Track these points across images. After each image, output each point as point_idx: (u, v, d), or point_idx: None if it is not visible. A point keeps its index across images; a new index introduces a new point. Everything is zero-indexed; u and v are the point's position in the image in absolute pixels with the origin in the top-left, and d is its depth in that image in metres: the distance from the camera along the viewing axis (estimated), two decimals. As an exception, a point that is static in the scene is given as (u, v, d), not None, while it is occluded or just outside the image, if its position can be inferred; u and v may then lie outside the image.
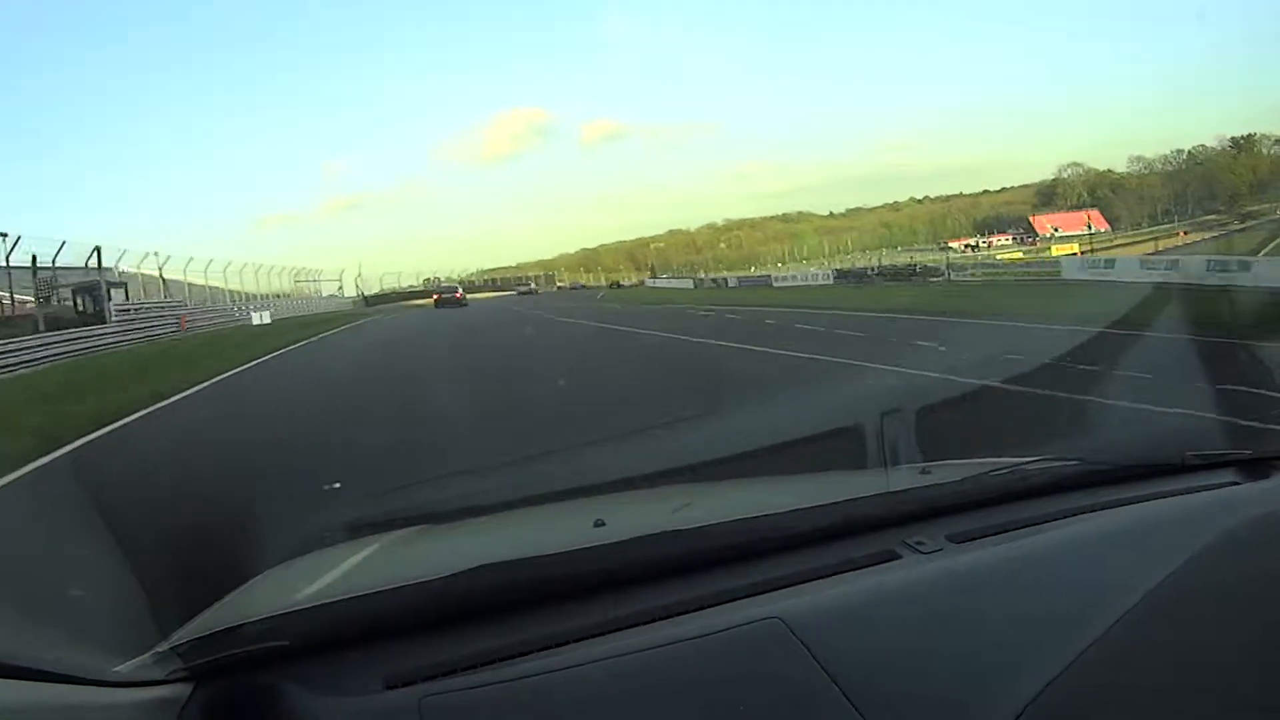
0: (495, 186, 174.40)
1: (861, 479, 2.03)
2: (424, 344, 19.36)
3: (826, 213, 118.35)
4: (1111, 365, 7.55)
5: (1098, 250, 50.40)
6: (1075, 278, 26.45)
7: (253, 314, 39.30)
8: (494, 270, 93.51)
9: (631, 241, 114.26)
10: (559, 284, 77.01)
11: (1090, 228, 73.10)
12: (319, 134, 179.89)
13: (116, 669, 1.10)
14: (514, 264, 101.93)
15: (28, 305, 27.71)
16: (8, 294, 27.17)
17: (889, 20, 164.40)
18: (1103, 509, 1.48)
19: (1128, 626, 1.09)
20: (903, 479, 1.79)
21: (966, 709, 0.99)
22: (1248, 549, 1.29)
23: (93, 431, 8.59)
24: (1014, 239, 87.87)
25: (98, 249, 29.72)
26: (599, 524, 1.52)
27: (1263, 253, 29.91)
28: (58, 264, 27.95)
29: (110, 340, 26.03)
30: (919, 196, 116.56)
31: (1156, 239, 58.97)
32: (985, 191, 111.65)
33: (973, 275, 34.18)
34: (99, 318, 27.93)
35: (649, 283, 73.52)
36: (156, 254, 34.99)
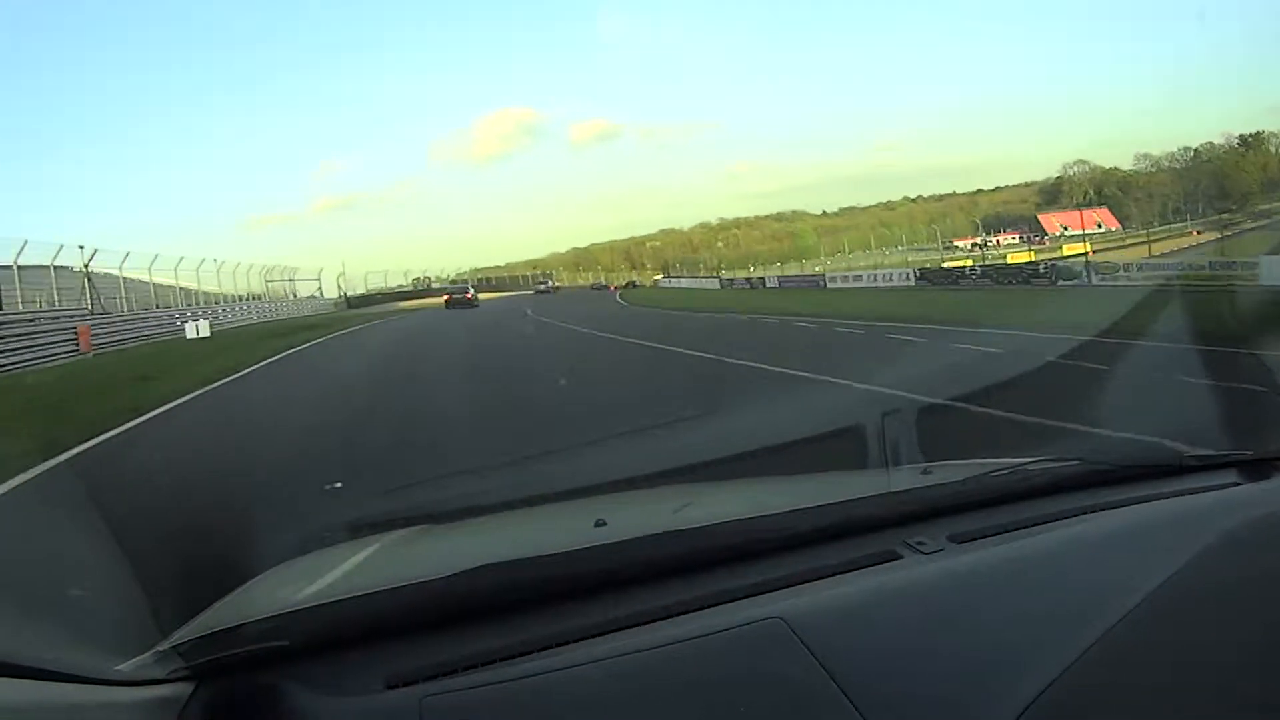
0: (486, 185, 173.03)
1: (862, 479, 2.03)
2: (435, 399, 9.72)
3: (820, 212, 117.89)
4: None
5: (1110, 250, 49.71)
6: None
7: (187, 325, 28.94)
8: (487, 269, 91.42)
9: (625, 240, 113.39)
10: (555, 284, 72.52)
11: (1101, 226, 72.75)
12: (308, 134, 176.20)
13: (118, 668, 1.10)
14: (504, 263, 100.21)
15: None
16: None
17: (878, 20, 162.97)
18: (1104, 509, 1.48)
19: (1129, 627, 1.09)
20: (904, 479, 1.79)
21: (967, 709, 0.99)
22: (1248, 549, 1.29)
23: None
24: (1021, 238, 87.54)
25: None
26: (600, 524, 1.52)
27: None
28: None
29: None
30: (912, 196, 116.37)
31: (1170, 238, 58.61)
32: (980, 190, 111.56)
33: (1126, 278, 23.99)
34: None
35: (662, 282, 69.01)
36: (82, 247, 26.14)
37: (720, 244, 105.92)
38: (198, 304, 36.82)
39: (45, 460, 6.73)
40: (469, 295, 44.19)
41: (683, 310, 27.13)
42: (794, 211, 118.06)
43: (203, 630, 1.23)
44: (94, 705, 1.00)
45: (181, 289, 36.21)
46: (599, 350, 15.17)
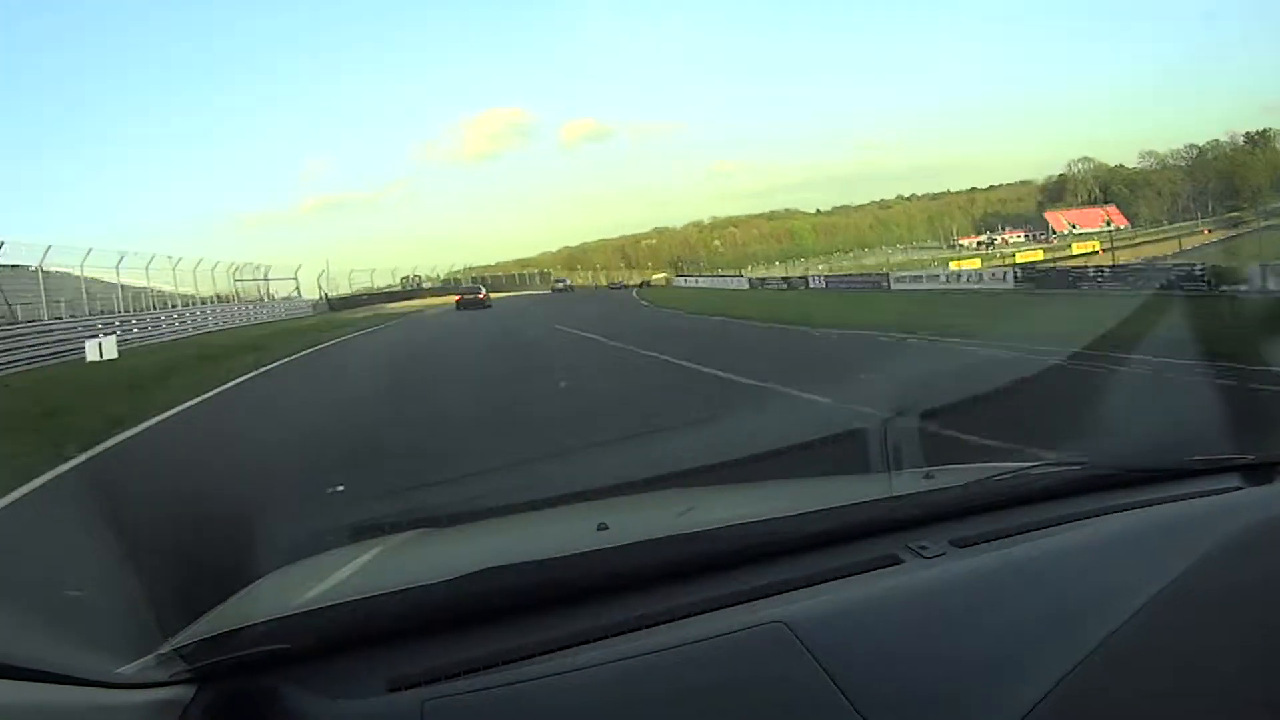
0: (476, 185, 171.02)
1: (864, 484, 2.02)
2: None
3: (814, 210, 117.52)
4: None
5: (1122, 248, 48.88)
6: None
7: (88, 341, 20.13)
8: (479, 268, 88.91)
9: (619, 239, 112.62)
10: (556, 284, 68.24)
11: (1109, 224, 72.30)
12: (295, 133, 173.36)
13: (119, 670, 1.11)
14: (494, 262, 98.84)
15: None
16: None
17: (868, 18, 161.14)
18: (1106, 513, 1.47)
19: (1131, 631, 1.08)
20: (905, 484, 1.79)
21: (970, 713, 0.99)
22: (1252, 553, 1.28)
23: None
24: (1027, 236, 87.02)
25: None
26: (602, 528, 1.52)
27: None
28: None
29: None
30: (905, 194, 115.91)
31: (1181, 236, 58.21)
32: (975, 189, 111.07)
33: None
34: None
35: (676, 281, 65.13)
36: (1, 243, 21.71)
37: (717, 242, 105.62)
38: (147, 308, 30.57)
39: None
40: (481, 295, 42.18)
41: (740, 319, 19.72)
42: (787, 210, 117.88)
43: (205, 633, 1.23)
44: (95, 707, 1.00)
45: (132, 289, 30.37)
46: (728, 398, 7.99)
